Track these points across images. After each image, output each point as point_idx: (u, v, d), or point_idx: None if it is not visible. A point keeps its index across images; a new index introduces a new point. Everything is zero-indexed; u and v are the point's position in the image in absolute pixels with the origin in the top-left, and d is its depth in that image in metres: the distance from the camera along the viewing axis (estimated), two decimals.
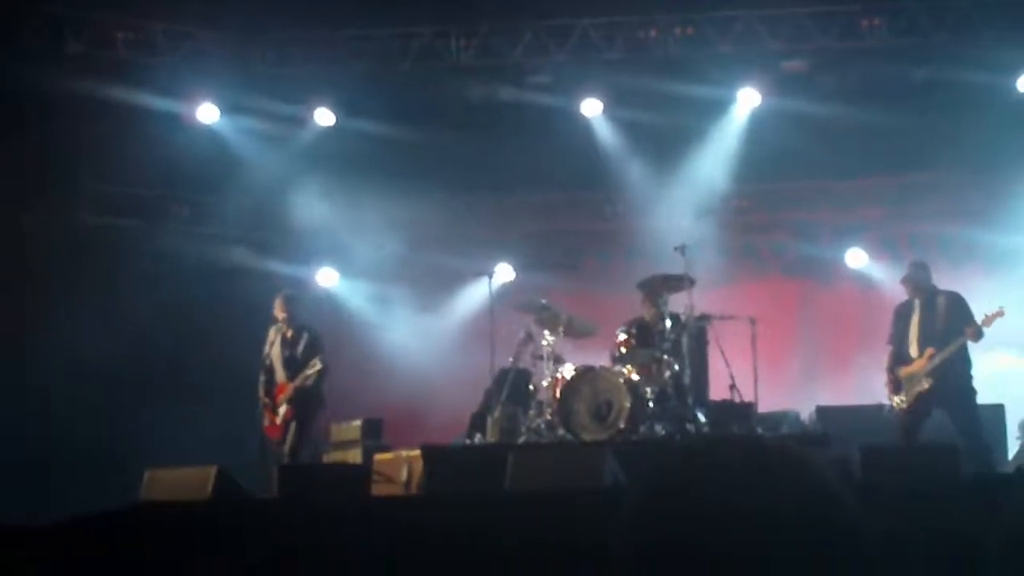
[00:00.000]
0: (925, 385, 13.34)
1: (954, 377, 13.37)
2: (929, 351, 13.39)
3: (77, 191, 17.40)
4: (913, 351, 13.59)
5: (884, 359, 14.01)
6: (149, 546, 9.18)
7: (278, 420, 14.74)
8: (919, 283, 13.81)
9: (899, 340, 13.79)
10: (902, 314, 13.91)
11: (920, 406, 13.44)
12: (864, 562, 1.93)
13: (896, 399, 13.62)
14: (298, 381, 14.66)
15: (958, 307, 13.66)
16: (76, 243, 16.87)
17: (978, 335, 13.32)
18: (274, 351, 14.85)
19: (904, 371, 13.56)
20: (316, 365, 14.59)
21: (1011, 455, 14.01)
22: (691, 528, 1.90)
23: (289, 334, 14.81)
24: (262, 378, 14.85)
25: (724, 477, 1.95)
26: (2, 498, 12.77)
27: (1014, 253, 17.40)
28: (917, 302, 13.73)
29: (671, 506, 1.95)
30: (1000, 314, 13.39)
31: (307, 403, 14.77)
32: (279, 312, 14.88)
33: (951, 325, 13.47)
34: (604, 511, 1.96)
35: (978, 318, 13.36)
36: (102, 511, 10.34)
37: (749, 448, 2.03)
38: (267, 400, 14.79)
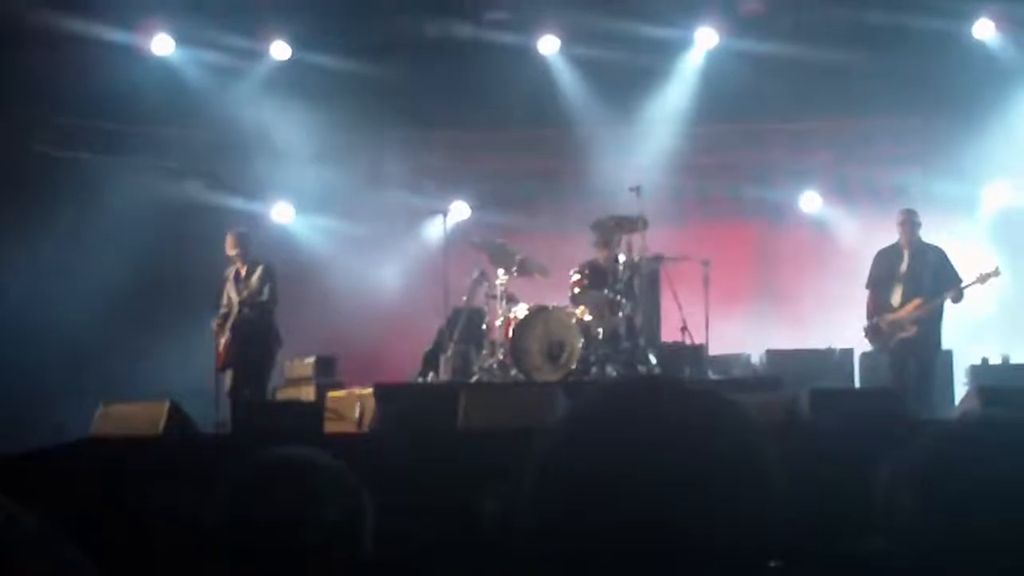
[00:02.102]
0: (911, 331, 13.43)
1: (928, 329, 13.50)
2: (916, 301, 13.48)
3: (32, 121, 17.24)
4: (895, 299, 13.68)
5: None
6: (98, 481, 9.19)
7: (220, 348, 14.64)
8: (914, 231, 13.85)
9: (883, 286, 13.84)
10: (887, 260, 13.94)
11: (903, 351, 13.55)
12: (778, 507, 1.97)
13: (876, 344, 13.84)
14: (241, 297, 14.50)
15: (946, 263, 13.77)
16: (31, 174, 16.74)
17: (959, 298, 13.44)
18: (228, 288, 14.76)
19: (888, 318, 13.64)
20: (261, 291, 14.50)
21: (957, 400, 14.12)
22: (602, 467, 1.92)
23: (243, 270, 14.72)
24: (221, 311, 14.75)
25: (644, 417, 1.97)
26: None
27: (968, 200, 17.51)
28: (906, 251, 13.77)
29: (584, 445, 1.97)
30: (996, 273, 13.51)
31: (258, 334, 14.63)
32: (231, 249, 14.75)
33: (939, 279, 13.56)
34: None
35: (970, 273, 13.49)
36: (53, 445, 10.35)
37: (671, 389, 2.05)
38: (219, 334, 14.69)
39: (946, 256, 13.85)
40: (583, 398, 2.06)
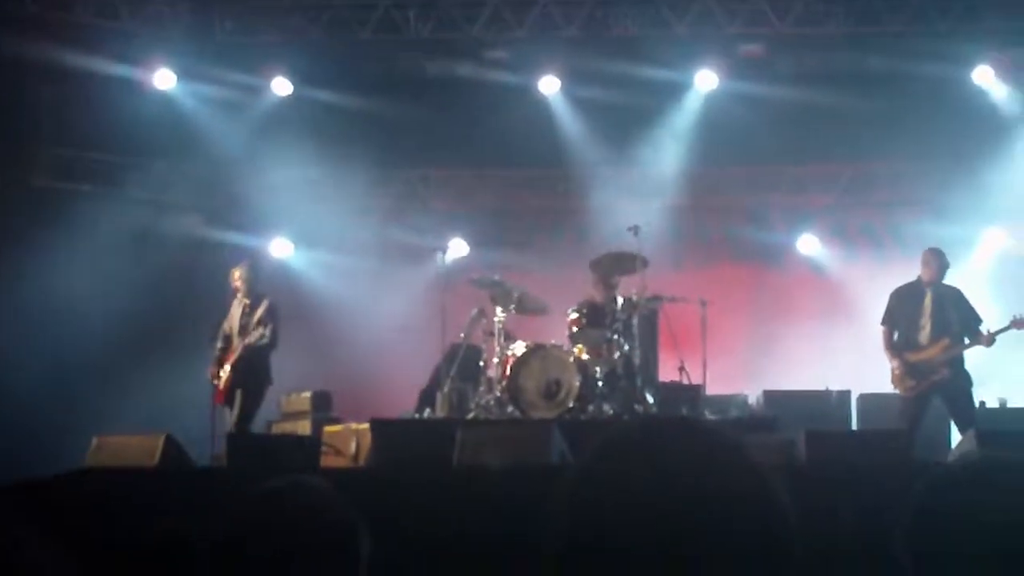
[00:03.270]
0: (944, 373, 13.34)
1: (959, 370, 13.45)
2: (945, 341, 13.38)
3: (32, 154, 17.26)
4: (923, 338, 13.53)
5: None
6: (94, 512, 9.17)
7: (221, 385, 14.62)
8: (941, 268, 13.75)
9: (905, 324, 13.70)
10: (908, 298, 13.75)
11: (929, 393, 13.44)
12: (786, 546, 1.98)
13: (906, 383, 13.53)
14: (247, 340, 14.52)
15: (967, 303, 13.70)
16: (30, 206, 16.75)
17: (991, 342, 13.35)
18: (232, 320, 14.75)
19: (915, 356, 13.50)
20: (264, 334, 14.48)
21: (954, 444, 14.10)
22: (625, 506, 1.94)
23: (247, 303, 14.72)
24: (218, 345, 14.74)
25: (661, 457, 1.99)
26: None
27: (964, 244, 17.51)
28: (928, 289, 13.72)
29: (606, 483, 1.98)
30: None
31: (254, 372, 14.64)
32: (237, 282, 14.78)
33: (962, 319, 13.51)
34: (550, 488, 2.00)
35: (998, 312, 13.54)
36: (49, 476, 10.33)
37: (687, 430, 2.06)
38: (215, 367, 14.66)
39: (964, 296, 13.77)
40: (609, 434, 2.08)
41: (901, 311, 13.76)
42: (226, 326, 14.77)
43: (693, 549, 1.91)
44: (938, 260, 13.72)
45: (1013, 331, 13.47)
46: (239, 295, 14.78)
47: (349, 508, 3.08)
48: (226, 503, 3.06)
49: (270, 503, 3.03)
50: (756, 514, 1.96)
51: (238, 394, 14.54)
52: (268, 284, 15.43)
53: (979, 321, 13.50)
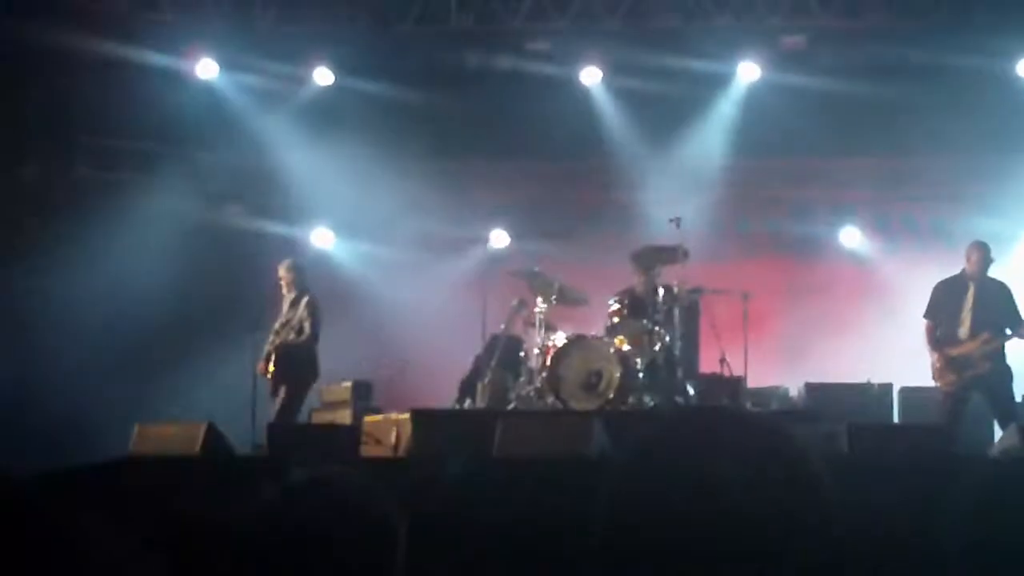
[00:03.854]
0: (984, 367, 13.25)
1: (1000, 365, 13.37)
2: (985, 335, 13.28)
3: (75, 144, 17.36)
4: (963, 332, 13.42)
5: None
6: (136, 500, 9.22)
7: (269, 377, 14.83)
8: (986, 261, 13.65)
9: (947, 317, 13.59)
10: (951, 292, 13.65)
11: (970, 388, 13.35)
12: (834, 540, 1.97)
13: (947, 378, 13.42)
14: (283, 339, 14.73)
15: (1010, 296, 13.62)
16: (73, 196, 16.85)
17: None
18: (283, 312, 14.99)
19: (955, 350, 13.39)
20: (303, 330, 14.68)
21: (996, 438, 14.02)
22: (672, 497, 1.94)
23: (290, 298, 14.91)
24: (269, 338, 14.93)
25: (708, 448, 1.98)
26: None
27: (1008, 238, 17.38)
28: (972, 283, 13.61)
29: (653, 474, 1.98)
30: None
31: (294, 367, 14.79)
32: (282, 276, 14.98)
33: (1005, 313, 13.41)
34: (591, 479, 2.00)
35: None
36: (91, 464, 10.40)
37: (734, 420, 2.06)
38: (264, 363, 14.85)
39: (1009, 291, 13.67)
40: (653, 424, 2.08)
41: (943, 305, 13.66)
42: (277, 322, 14.99)
43: (738, 539, 1.91)
44: (981, 253, 13.62)
45: None
46: (285, 289, 14.97)
47: (387, 498, 3.09)
48: (266, 492, 3.07)
49: (309, 493, 3.04)
50: (802, 503, 1.96)
51: (281, 389, 14.71)
52: (311, 278, 15.49)
53: (1020, 317, 13.40)
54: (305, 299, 14.86)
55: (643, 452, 2.04)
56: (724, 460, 1.96)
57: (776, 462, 1.98)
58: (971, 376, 13.25)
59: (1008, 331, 13.27)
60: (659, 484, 1.96)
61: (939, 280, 13.95)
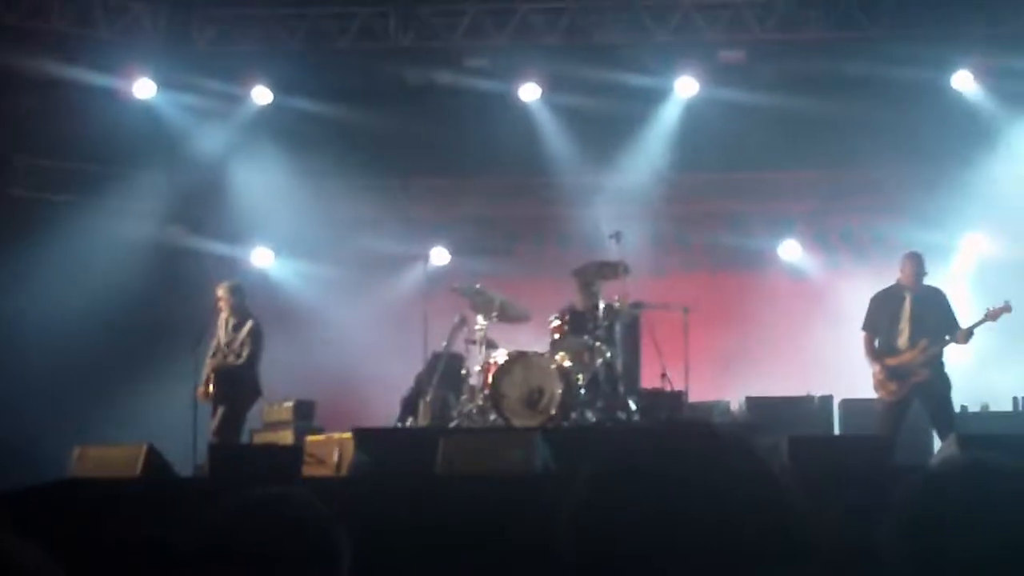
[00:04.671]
0: (923, 375, 13.32)
1: (938, 371, 13.45)
2: (923, 343, 13.31)
3: (9, 164, 17.22)
4: (902, 342, 13.48)
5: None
6: (75, 523, 9.14)
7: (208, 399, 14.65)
8: (920, 272, 13.72)
9: (884, 328, 13.65)
10: (888, 302, 13.70)
11: (911, 396, 13.41)
12: (805, 548, 1.98)
13: (887, 388, 13.46)
14: (227, 361, 14.58)
15: (946, 303, 13.69)
16: (7, 217, 16.69)
17: (967, 337, 13.31)
18: (219, 338, 14.79)
19: (894, 360, 13.44)
20: (243, 356, 14.56)
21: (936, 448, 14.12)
22: (641, 511, 1.94)
23: (232, 322, 14.75)
24: (207, 361, 14.76)
25: (675, 462, 1.99)
26: None
27: (944, 250, 17.53)
28: (908, 293, 13.69)
29: (618, 491, 1.98)
30: (1007, 309, 13.38)
31: (234, 386, 14.65)
32: (221, 301, 14.81)
33: (943, 320, 13.50)
34: (533, 496, 2.00)
35: (978, 314, 13.43)
36: (30, 486, 10.30)
37: (700, 434, 2.07)
38: (204, 387, 14.67)
39: (946, 298, 13.75)
40: (618, 438, 2.08)
41: (881, 316, 13.75)
42: (214, 343, 14.81)
43: (709, 554, 1.91)
44: (914, 264, 13.73)
45: (993, 330, 13.54)
46: (223, 313, 14.80)
47: (330, 518, 3.07)
48: (208, 513, 3.04)
49: (251, 513, 3.02)
50: (774, 518, 1.96)
51: (219, 409, 14.56)
52: (253, 301, 15.39)
53: (957, 323, 13.49)
54: (249, 324, 14.68)
55: (608, 467, 2.04)
56: (691, 474, 1.96)
57: (744, 477, 1.99)
58: (911, 384, 13.32)
59: (947, 337, 13.35)
60: (625, 498, 1.96)
61: (875, 292, 14.04)
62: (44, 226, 16.54)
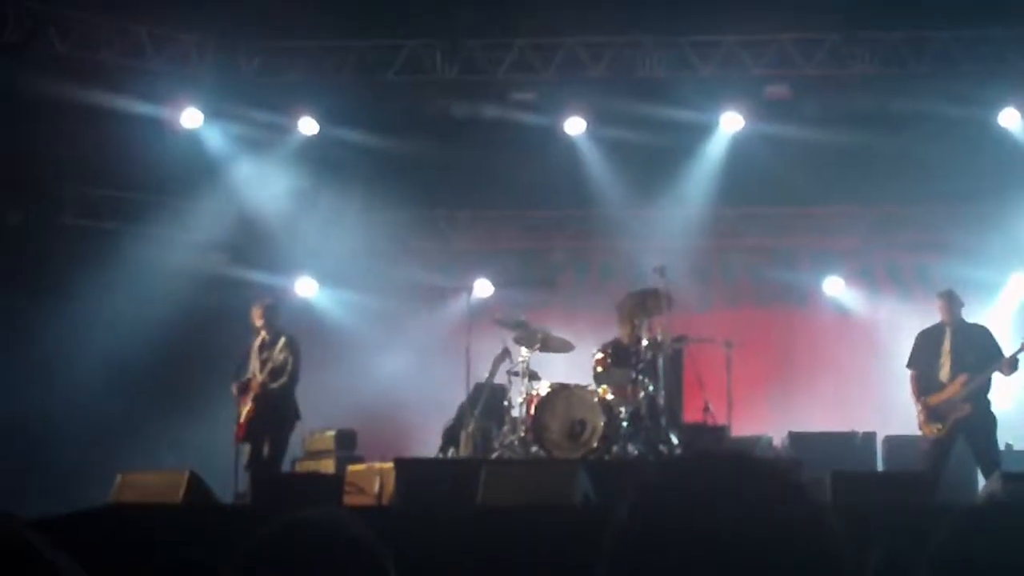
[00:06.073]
0: (966, 410, 13.24)
1: (982, 406, 13.38)
2: (962, 377, 13.27)
3: (59, 193, 17.35)
4: (943, 375, 13.44)
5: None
6: (117, 549, 9.17)
7: (241, 419, 14.57)
8: (955, 308, 13.72)
9: (927, 364, 13.63)
10: (930, 338, 13.73)
11: (954, 433, 13.32)
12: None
13: (931, 427, 13.39)
14: (263, 378, 14.49)
15: (990, 338, 13.65)
16: (57, 244, 16.81)
17: (1013, 368, 13.25)
18: (252, 358, 14.74)
19: (936, 398, 13.36)
20: (283, 371, 14.51)
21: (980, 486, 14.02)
22: (680, 544, 1.94)
23: (266, 338, 14.71)
24: (240, 379, 14.73)
25: (714, 494, 1.99)
26: None
27: (988, 286, 17.45)
28: (948, 328, 13.67)
29: (659, 522, 1.98)
30: None
31: (277, 412, 14.60)
32: (257, 320, 14.79)
33: (984, 354, 13.43)
34: (574, 528, 2.00)
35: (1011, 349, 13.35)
36: (73, 512, 10.34)
37: (739, 466, 2.06)
38: (237, 399, 14.62)
39: (989, 333, 13.71)
40: (659, 470, 2.08)
41: (924, 352, 13.71)
42: (250, 363, 14.78)
43: None
44: (945, 301, 13.75)
45: None
46: (261, 333, 14.78)
47: (377, 541, 3.08)
48: (253, 535, 3.05)
49: (298, 533, 3.03)
50: (814, 551, 1.96)
51: (265, 438, 14.50)
52: (289, 321, 15.41)
53: (1001, 356, 13.39)
54: (283, 340, 14.65)
55: (648, 499, 2.04)
56: (732, 507, 1.96)
57: (786, 510, 1.98)
58: (955, 420, 13.24)
59: (991, 366, 13.26)
60: (665, 531, 1.96)
61: (921, 329, 13.99)
62: (92, 253, 16.65)
